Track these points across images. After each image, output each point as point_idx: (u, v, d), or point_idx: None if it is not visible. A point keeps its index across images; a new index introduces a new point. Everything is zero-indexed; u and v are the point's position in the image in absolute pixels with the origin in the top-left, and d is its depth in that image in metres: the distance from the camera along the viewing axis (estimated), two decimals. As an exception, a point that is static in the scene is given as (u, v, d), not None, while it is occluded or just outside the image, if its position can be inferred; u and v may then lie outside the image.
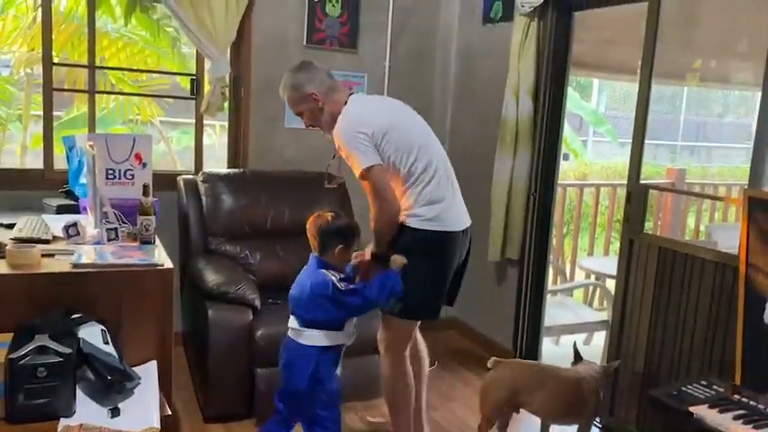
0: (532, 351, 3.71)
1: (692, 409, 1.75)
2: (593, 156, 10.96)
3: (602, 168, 9.25)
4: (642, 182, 3.00)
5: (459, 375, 3.64)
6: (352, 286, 2.42)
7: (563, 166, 4.59)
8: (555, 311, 3.95)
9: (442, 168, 2.57)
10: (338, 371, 2.50)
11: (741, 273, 2.32)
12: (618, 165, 8.55)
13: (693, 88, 9.75)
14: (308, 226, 2.50)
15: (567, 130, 8.06)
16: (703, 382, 1.91)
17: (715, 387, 1.88)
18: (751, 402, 1.79)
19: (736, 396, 1.83)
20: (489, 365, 2.72)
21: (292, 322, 2.48)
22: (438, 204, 2.49)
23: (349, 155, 2.46)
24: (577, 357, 2.80)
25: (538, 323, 3.71)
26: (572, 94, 8.41)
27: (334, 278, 2.38)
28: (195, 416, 2.96)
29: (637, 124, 2.97)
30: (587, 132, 11.82)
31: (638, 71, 2.95)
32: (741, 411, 1.74)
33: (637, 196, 2.98)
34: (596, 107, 11.44)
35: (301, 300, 2.45)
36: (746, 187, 2.45)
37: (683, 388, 1.87)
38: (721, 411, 1.74)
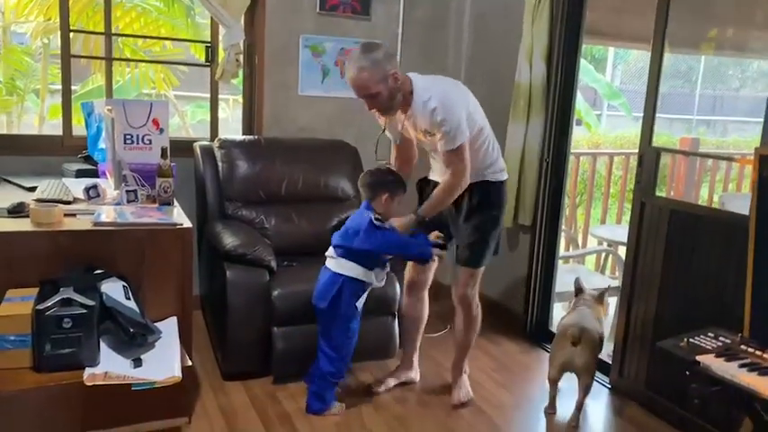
0: (544, 317, 3.75)
1: (698, 358, 1.79)
2: (607, 129, 10.89)
3: (616, 139, 9.21)
4: (654, 145, 3.01)
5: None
6: (387, 225, 2.69)
7: (576, 134, 4.60)
8: (567, 278, 3.98)
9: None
10: (359, 305, 2.75)
11: (751, 230, 2.33)
12: (632, 135, 8.51)
13: (710, 62, 9.65)
14: (361, 176, 2.81)
15: (582, 103, 8.03)
16: (710, 334, 1.94)
17: (722, 338, 1.92)
18: (757, 352, 1.82)
19: (743, 346, 1.86)
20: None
21: (330, 251, 2.76)
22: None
23: (445, 131, 2.53)
24: (578, 291, 3.08)
25: (549, 289, 3.75)
26: (587, 67, 8.35)
27: (373, 216, 2.67)
28: (214, 374, 3.04)
29: (649, 88, 2.97)
30: (602, 106, 11.74)
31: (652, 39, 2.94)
32: (747, 360, 1.78)
33: (649, 159, 2.99)
34: (611, 81, 11.35)
35: (342, 231, 2.75)
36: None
37: (691, 339, 1.91)
38: (728, 360, 1.78)
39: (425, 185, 2.92)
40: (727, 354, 1.82)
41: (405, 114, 2.66)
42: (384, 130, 2.87)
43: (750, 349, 1.84)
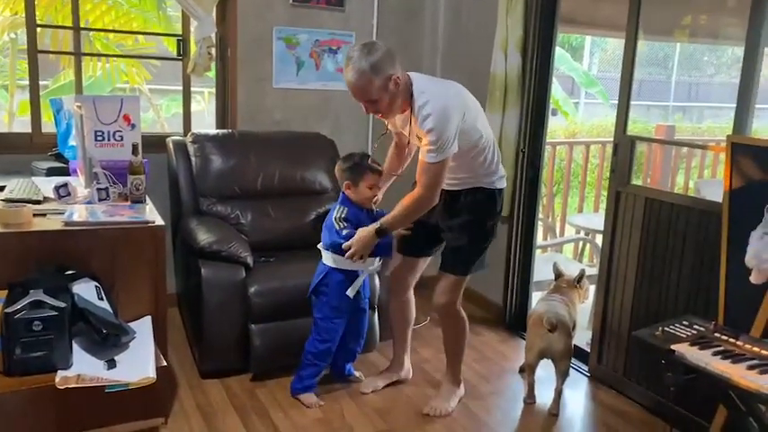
0: (522, 306, 3.76)
1: (673, 346, 1.80)
2: (584, 117, 10.96)
3: (593, 127, 9.27)
4: (629, 134, 3.02)
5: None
6: (345, 232, 2.66)
7: (553, 124, 4.62)
8: (545, 267, 4.00)
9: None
10: (349, 292, 2.75)
11: (724, 217, 2.36)
12: (608, 123, 8.55)
13: (685, 50, 9.73)
14: None
15: (559, 92, 8.05)
16: (685, 323, 1.96)
17: (696, 326, 1.93)
18: (730, 339, 1.84)
19: (717, 334, 1.88)
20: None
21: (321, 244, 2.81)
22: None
23: (431, 141, 2.38)
24: (558, 276, 3.13)
25: (527, 278, 3.76)
26: (564, 56, 8.36)
27: (338, 214, 2.71)
28: (192, 372, 3.01)
29: (623, 76, 2.98)
30: (579, 94, 11.81)
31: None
32: (720, 348, 1.79)
33: (623, 148, 3.00)
34: (588, 69, 11.40)
35: (324, 224, 2.80)
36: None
37: (666, 328, 1.92)
38: (701, 348, 1.79)
39: None
40: (702, 342, 1.83)
41: (403, 114, 2.55)
42: (385, 133, 2.81)
43: (724, 337, 1.86)
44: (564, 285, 3.09)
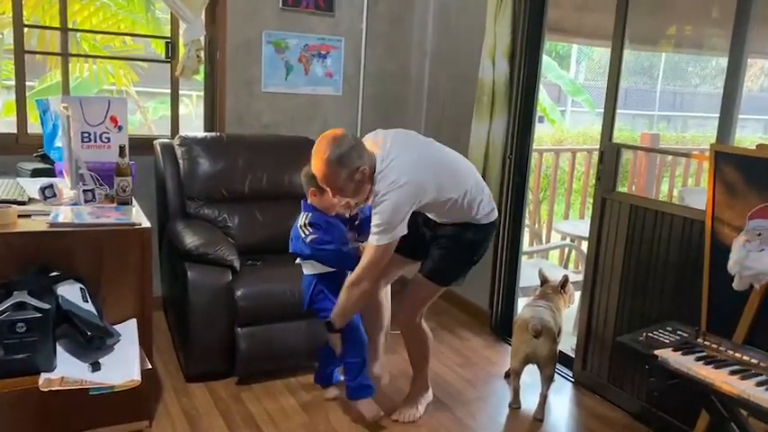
0: (508, 311, 3.78)
1: (656, 352, 1.82)
2: (571, 125, 11.04)
3: (579, 135, 9.33)
4: (614, 141, 3.05)
5: (435, 335, 3.67)
6: (310, 238, 2.64)
7: (539, 131, 4.65)
8: (531, 273, 4.02)
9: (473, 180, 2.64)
10: None
11: (707, 225, 2.39)
12: (594, 132, 8.62)
13: (670, 60, 9.83)
14: None
15: (546, 100, 8.11)
16: (668, 329, 1.98)
17: (679, 332, 1.95)
18: (713, 345, 1.86)
19: (699, 340, 1.90)
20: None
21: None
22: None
23: (375, 224, 2.39)
24: (543, 281, 3.17)
25: (513, 284, 3.78)
26: (551, 64, 8.43)
27: (303, 221, 2.68)
28: (177, 376, 3.00)
29: (609, 85, 3.02)
30: (566, 103, 11.89)
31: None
32: (703, 353, 1.81)
33: (609, 155, 3.03)
34: (575, 77, 11.49)
35: (291, 236, 2.75)
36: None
37: (649, 334, 1.94)
38: (684, 354, 1.81)
39: None
40: (685, 347, 1.85)
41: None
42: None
43: (707, 343, 1.88)
44: (549, 291, 3.12)
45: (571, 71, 11.94)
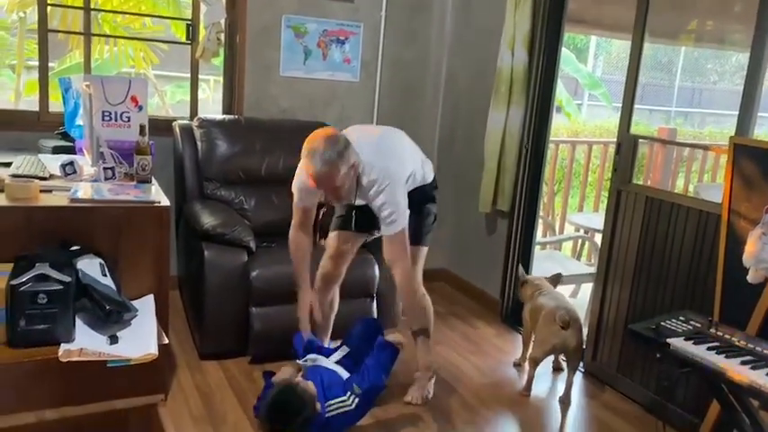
0: (520, 302, 3.78)
1: (669, 340, 1.83)
2: (587, 119, 10.98)
3: (595, 128, 9.29)
4: (632, 133, 3.04)
5: (447, 323, 3.73)
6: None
7: (556, 122, 4.63)
8: (543, 264, 4.03)
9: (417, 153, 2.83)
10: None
11: (724, 217, 2.39)
12: (611, 125, 8.57)
13: (689, 55, 9.74)
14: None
15: (563, 92, 8.07)
16: (681, 318, 1.99)
17: (692, 322, 1.96)
18: (725, 336, 1.87)
19: (712, 330, 1.90)
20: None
21: None
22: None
23: (384, 216, 2.52)
24: (521, 276, 3.26)
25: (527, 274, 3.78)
26: (569, 57, 8.37)
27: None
28: (191, 354, 3.04)
29: (629, 76, 3.01)
30: (582, 96, 11.82)
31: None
32: (715, 343, 1.82)
33: (626, 147, 3.03)
34: (592, 71, 11.42)
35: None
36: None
37: (662, 323, 1.95)
38: (697, 343, 1.82)
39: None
40: (697, 337, 1.86)
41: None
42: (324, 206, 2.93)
43: (719, 333, 1.89)
44: (543, 286, 3.18)
45: (589, 65, 11.86)
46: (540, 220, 4.76)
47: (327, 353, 2.72)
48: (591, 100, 11.68)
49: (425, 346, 2.88)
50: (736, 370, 1.70)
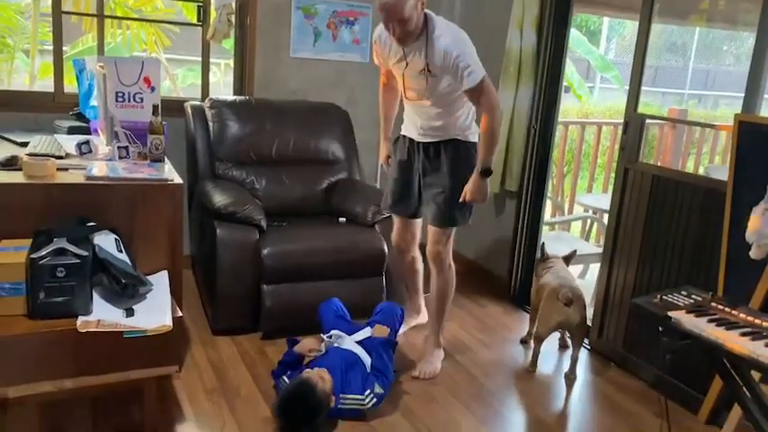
0: (527, 280, 3.83)
1: (670, 313, 1.86)
2: (598, 101, 10.94)
3: (606, 110, 9.25)
4: (639, 113, 3.06)
5: (456, 301, 3.73)
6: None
7: (566, 103, 4.65)
8: (552, 244, 4.04)
9: None
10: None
11: (728, 195, 2.41)
12: (621, 107, 8.53)
13: (703, 37, 9.65)
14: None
15: (575, 76, 8.04)
16: (683, 293, 2.01)
17: (694, 296, 1.99)
18: (726, 309, 1.90)
19: (714, 304, 1.93)
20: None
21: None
22: None
23: (462, 66, 2.55)
24: (544, 254, 3.30)
25: (533, 254, 3.82)
26: (580, 39, 8.33)
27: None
28: (204, 330, 3.11)
29: (636, 56, 3.02)
30: (594, 79, 11.76)
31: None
32: (716, 316, 1.85)
33: (633, 126, 3.05)
34: (605, 53, 11.35)
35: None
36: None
37: (665, 297, 1.98)
38: (698, 316, 1.85)
39: (402, 143, 2.98)
40: (698, 310, 1.89)
41: (408, 47, 2.63)
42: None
43: (720, 306, 1.92)
44: (555, 263, 3.24)
45: (601, 47, 11.79)
46: (550, 201, 4.79)
47: (350, 331, 2.78)
48: (603, 83, 11.62)
49: (440, 319, 2.97)
50: (736, 341, 1.73)
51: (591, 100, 9.47)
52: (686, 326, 1.83)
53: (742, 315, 1.88)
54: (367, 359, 2.64)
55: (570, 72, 8.26)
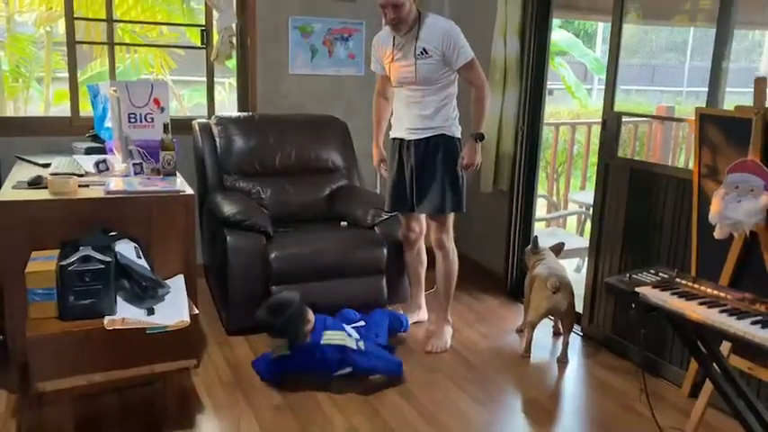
0: (521, 274, 4.01)
1: (637, 289, 2.06)
2: (597, 103, 11.09)
3: (597, 111, 9.40)
4: (615, 111, 3.27)
5: (454, 297, 3.96)
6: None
7: (558, 106, 4.82)
8: (547, 240, 4.23)
9: None
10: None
11: (695, 182, 2.61)
12: (617, 108, 8.68)
13: (699, 35, 9.80)
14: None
15: (571, 78, 8.23)
16: (651, 271, 2.20)
17: (661, 274, 2.18)
18: (689, 283, 2.09)
19: (678, 280, 2.13)
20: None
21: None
22: None
23: (459, 45, 3.00)
24: (537, 247, 3.46)
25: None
26: (575, 42, 8.53)
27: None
28: (219, 332, 3.33)
29: (610, 56, 3.23)
30: (593, 81, 11.93)
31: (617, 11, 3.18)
32: (679, 290, 2.05)
33: (611, 123, 3.25)
34: (601, 55, 11.52)
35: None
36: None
37: (634, 276, 2.17)
38: (662, 290, 2.05)
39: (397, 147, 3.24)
40: (663, 285, 2.08)
41: (402, 36, 3.02)
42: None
43: (684, 282, 2.11)
44: (547, 254, 3.44)
45: (597, 50, 11.96)
46: (545, 200, 4.98)
47: (350, 319, 3.08)
48: (602, 84, 11.75)
49: (448, 298, 3.30)
50: (694, 309, 1.92)
51: (589, 102, 9.63)
52: (652, 299, 2.02)
53: (703, 288, 2.07)
54: (354, 333, 2.95)
55: (567, 75, 8.46)
